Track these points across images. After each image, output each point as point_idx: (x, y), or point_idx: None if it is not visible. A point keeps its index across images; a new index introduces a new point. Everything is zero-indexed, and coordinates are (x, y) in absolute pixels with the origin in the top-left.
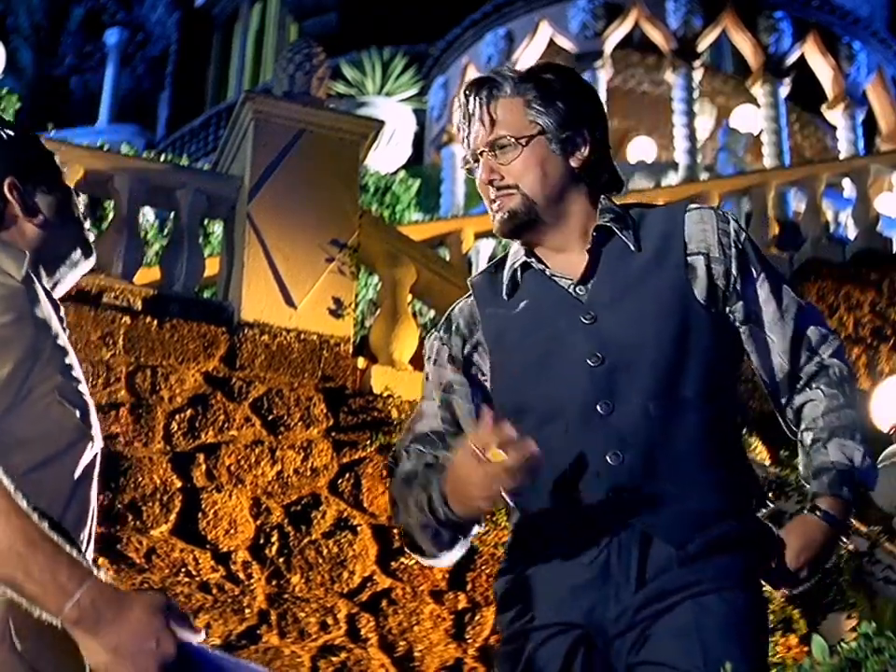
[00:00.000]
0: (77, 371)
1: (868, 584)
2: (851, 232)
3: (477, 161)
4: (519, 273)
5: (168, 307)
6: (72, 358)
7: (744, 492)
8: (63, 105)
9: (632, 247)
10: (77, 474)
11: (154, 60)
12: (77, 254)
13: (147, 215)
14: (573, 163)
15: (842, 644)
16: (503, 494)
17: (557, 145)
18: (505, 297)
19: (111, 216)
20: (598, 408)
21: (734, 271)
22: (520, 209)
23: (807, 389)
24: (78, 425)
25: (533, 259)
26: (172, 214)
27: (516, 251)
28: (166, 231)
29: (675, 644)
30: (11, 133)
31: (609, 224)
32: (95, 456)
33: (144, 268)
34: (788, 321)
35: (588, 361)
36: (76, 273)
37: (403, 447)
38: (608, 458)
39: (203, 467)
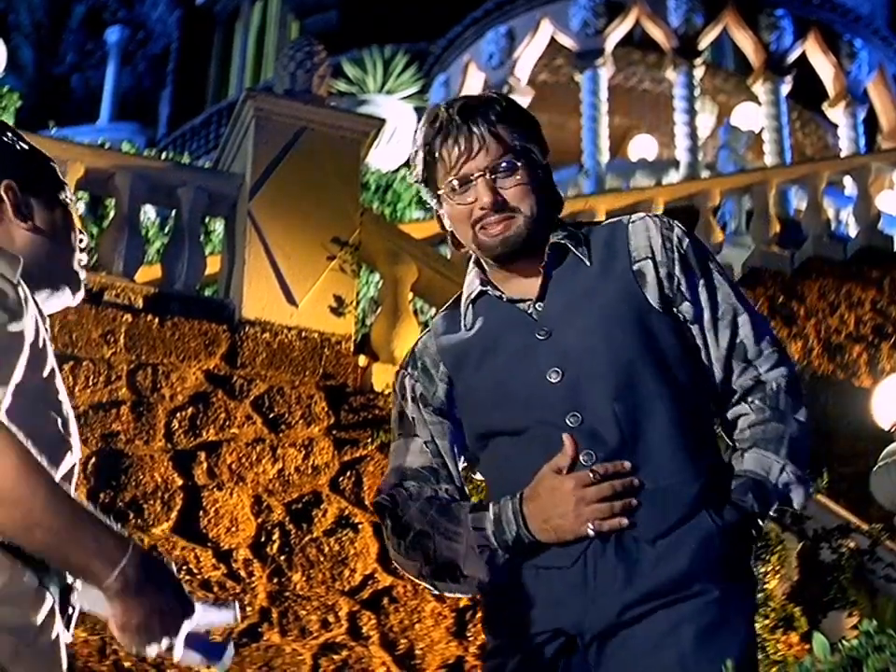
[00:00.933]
0: (59, 381)
1: (869, 582)
2: (852, 230)
3: (464, 185)
4: (475, 303)
5: (169, 305)
6: (55, 367)
7: (719, 479)
8: (64, 103)
9: (586, 262)
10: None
11: (155, 58)
12: (64, 279)
13: (149, 213)
14: (545, 190)
15: (843, 642)
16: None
17: (541, 171)
18: (464, 327)
19: (112, 214)
20: (568, 421)
21: (676, 273)
22: (523, 233)
23: (741, 403)
24: (59, 432)
25: (489, 287)
26: (173, 212)
27: (471, 282)
28: (167, 229)
29: (653, 659)
30: (25, 146)
31: (563, 241)
32: (73, 466)
33: (145, 266)
34: (722, 329)
35: (548, 378)
36: (57, 301)
37: (393, 485)
38: (582, 461)
39: (205, 465)
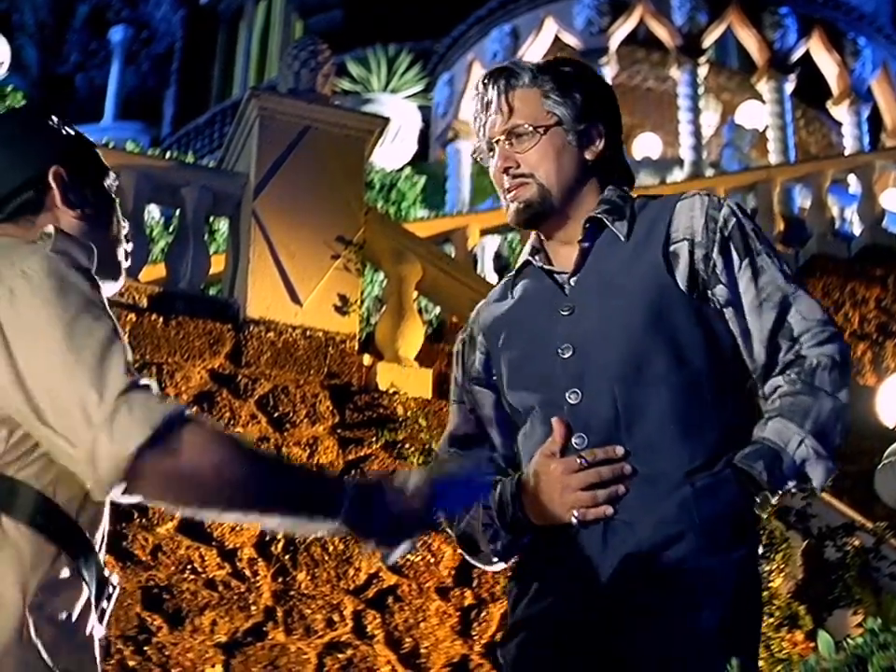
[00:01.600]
0: None
1: (874, 580)
2: (857, 228)
3: (492, 150)
4: (522, 272)
5: (174, 304)
6: None
7: (718, 458)
8: (68, 102)
9: (621, 238)
10: None
11: (159, 57)
12: (107, 267)
13: (153, 212)
14: (587, 156)
15: (848, 640)
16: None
17: (573, 136)
18: (510, 296)
19: None
20: (568, 397)
21: (714, 255)
22: (535, 199)
23: (778, 376)
24: None
25: (536, 257)
26: (177, 211)
27: (525, 250)
28: (171, 228)
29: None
30: (71, 131)
31: (600, 215)
32: None
33: (149, 265)
34: (767, 311)
35: (559, 352)
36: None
37: (441, 451)
38: (574, 444)
39: None
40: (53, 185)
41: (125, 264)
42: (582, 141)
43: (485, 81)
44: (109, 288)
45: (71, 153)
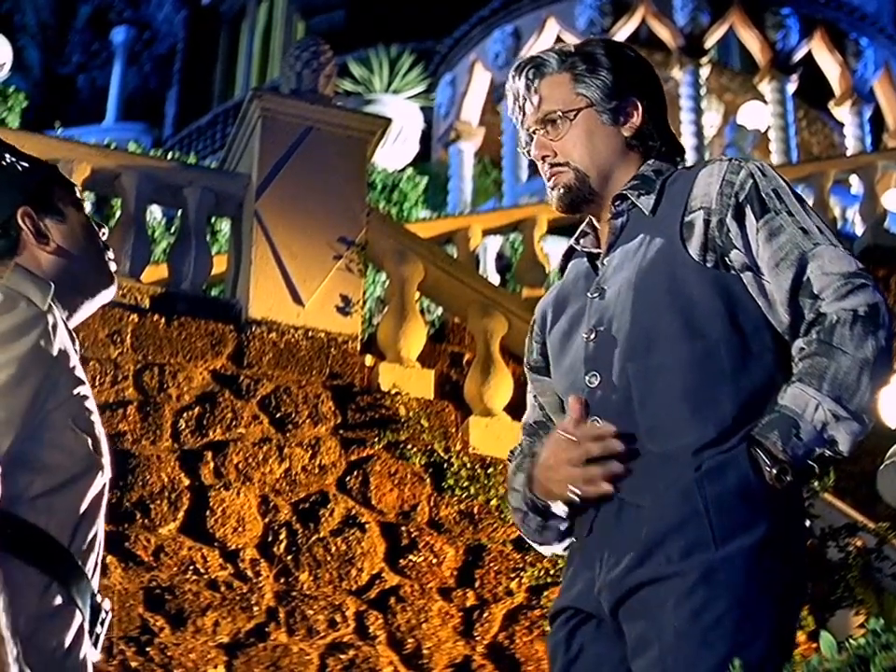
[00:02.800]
0: (92, 403)
1: (876, 581)
2: (859, 229)
3: (531, 140)
4: (571, 257)
5: (176, 305)
6: (87, 390)
7: (737, 431)
8: (70, 103)
9: (646, 212)
10: (86, 502)
11: (161, 58)
12: (96, 284)
13: (155, 212)
14: (626, 132)
15: (850, 640)
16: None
17: (607, 115)
18: (559, 283)
19: (118, 214)
20: (588, 382)
21: (727, 220)
22: (573, 184)
23: (801, 338)
24: (90, 453)
25: (582, 240)
26: (179, 212)
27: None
28: (174, 228)
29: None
30: (26, 164)
31: (625, 191)
32: (104, 486)
33: (151, 266)
34: (784, 270)
35: (585, 336)
36: (94, 303)
37: (519, 443)
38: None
39: (211, 464)
40: (24, 226)
41: (113, 266)
42: (618, 118)
43: (514, 74)
44: (103, 296)
45: (30, 187)
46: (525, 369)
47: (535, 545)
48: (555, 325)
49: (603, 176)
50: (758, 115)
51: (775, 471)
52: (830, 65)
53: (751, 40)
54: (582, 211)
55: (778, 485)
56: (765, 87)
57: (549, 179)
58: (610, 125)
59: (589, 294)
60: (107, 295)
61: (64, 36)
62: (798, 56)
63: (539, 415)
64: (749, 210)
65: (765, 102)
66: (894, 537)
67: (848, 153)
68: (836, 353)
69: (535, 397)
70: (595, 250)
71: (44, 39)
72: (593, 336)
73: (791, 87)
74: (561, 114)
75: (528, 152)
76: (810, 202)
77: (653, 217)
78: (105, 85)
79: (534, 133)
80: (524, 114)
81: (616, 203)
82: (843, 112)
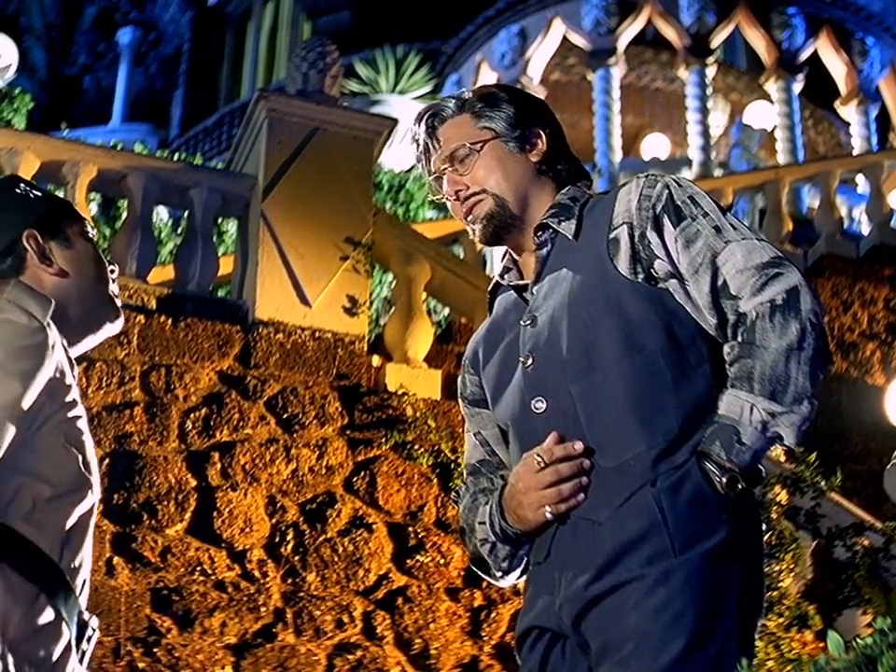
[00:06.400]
0: (84, 425)
1: (883, 580)
2: (865, 228)
3: (438, 183)
4: (496, 293)
5: (182, 306)
6: (81, 412)
7: (685, 441)
8: (76, 104)
9: (570, 237)
10: (74, 519)
11: (167, 59)
12: (101, 315)
13: (161, 213)
14: (533, 158)
15: (857, 640)
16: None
17: (513, 143)
18: (489, 318)
19: (125, 215)
20: (533, 406)
21: (648, 232)
22: (494, 210)
23: (727, 343)
24: (80, 471)
25: (506, 276)
26: (186, 212)
27: (497, 270)
28: (180, 229)
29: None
30: (38, 193)
31: (546, 220)
32: (93, 506)
33: (158, 267)
34: (702, 274)
35: (523, 364)
36: (98, 335)
37: (462, 482)
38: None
39: (218, 465)
40: (28, 248)
41: (118, 301)
42: (524, 146)
43: (416, 124)
44: (106, 330)
45: (40, 213)
46: (463, 405)
47: (497, 577)
48: (490, 359)
49: (520, 200)
50: (764, 114)
51: (725, 480)
52: (836, 65)
53: (757, 40)
54: (505, 241)
55: (732, 493)
56: (771, 86)
57: (467, 215)
58: (518, 153)
59: (521, 323)
60: (112, 328)
61: (70, 38)
62: (804, 55)
63: (481, 453)
64: (666, 220)
65: (771, 101)
66: None
67: (855, 152)
68: (759, 350)
69: (475, 434)
70: (522, 282)
71: (50, 40)
72: (530, 362)
73: (798, 86)
74: (468, 147)
75: (438, 198)
76: (817, 201)
77: (577, 242)
78: (111, 86)
79: (443, 173)
80: (429, 161)
81: (538, 234)
82: (849, 111)
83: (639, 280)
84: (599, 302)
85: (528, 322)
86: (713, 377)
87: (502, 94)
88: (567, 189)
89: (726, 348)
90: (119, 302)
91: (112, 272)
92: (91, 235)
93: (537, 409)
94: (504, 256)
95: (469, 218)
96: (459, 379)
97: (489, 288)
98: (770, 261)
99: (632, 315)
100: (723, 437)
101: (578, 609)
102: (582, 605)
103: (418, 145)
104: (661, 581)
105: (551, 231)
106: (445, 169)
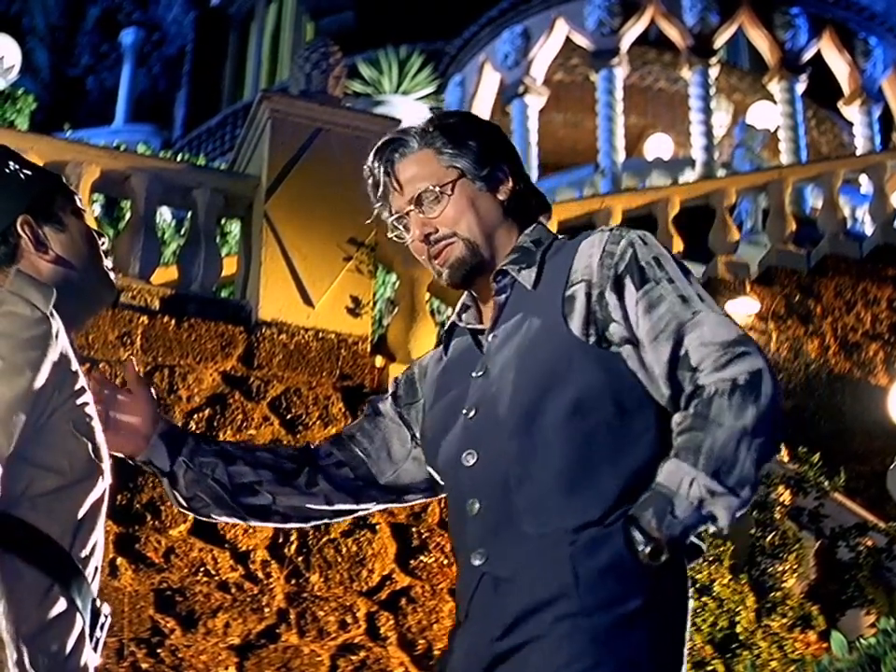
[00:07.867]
0: (92, 410)
1: (887, 580)
2: (868, 228)
3: (403, 225)
4: (453, 332)
5: (186, 306)
6: (88, 398)
7: (617, 510)
8: (79, 105)
9: (528, 287)
10: (86, 507)
11: (170, 59)
12: (96, 292)
13: (164, 214)
14: (500, 197)
15: (861, 640)
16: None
17: (481, 182)
18: (443, 358)
19: (128, 216)
20: (464, 458)
21: (607, 293)
22: (465, 255)
23: (678, 413)
24: (91, 458)
25: (463, 316)
26: (189, 213)
27: (456, 308)
28: (183, 230)
29: None
30: (29, 172)
31: (505, 266)
32: (104, 492)
33: (161, 268)
34: (663, 343)
35: (465, 414)
36: (96, 311)
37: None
38: (466, 507)
39: None
40: (23, 234)
41: (112, 275)
42: (491, 184)
43: (373, 161)
44: (104, 304)
45: (31, 195)
46: (389, 402)
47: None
48: (437, 402)
49: (489, 244)
50: (767, 115)
51: (647, 550)
52: (839, 65)
53: (760, 40)
54: (474, 284)
55: (653, 563)
56: (774, 87)
57: (436, 258)
58: (487, 192)
59: (473, 374)
60: (107, 303)
61: (73, 38)
62: (807, 56)
63: (358, 428)
64: (628, 280)
65: (774, 102)
66: None
67: (858, 152)
68: (712, 426)
69: (375, 415)
70: (479, 326)
71: (53, 41)
72: (472, 414)
73: (801, 86)
74: (438, 188)
75: (399, 238)
76: (820, 202)
77: (535, 292)
78: (115, 87)
79: (407, 215)
80: (390, 199)
81: (497, 279)
82: (852, 111)
83: (591, 343)
84: (547, 363)
85: (480, 374)
86: (658, 446)
87: (464, 128)
88: (531, 228)
89: (677, 417)
90: (113, 276)
91: (103, 243)
92: (81, 210)
93: (466, 462)
94: (464, 296)
95: (436, 261)
96: (400, 382)
97: (446, 327)
98: (737, 339)
99: (578, 379)
100: (657, 506)
101: (486, 664)
102: (490, 659)
103: (375, 180)
104: (567, 639)
105: (510, 277)
106: (410, 211)
